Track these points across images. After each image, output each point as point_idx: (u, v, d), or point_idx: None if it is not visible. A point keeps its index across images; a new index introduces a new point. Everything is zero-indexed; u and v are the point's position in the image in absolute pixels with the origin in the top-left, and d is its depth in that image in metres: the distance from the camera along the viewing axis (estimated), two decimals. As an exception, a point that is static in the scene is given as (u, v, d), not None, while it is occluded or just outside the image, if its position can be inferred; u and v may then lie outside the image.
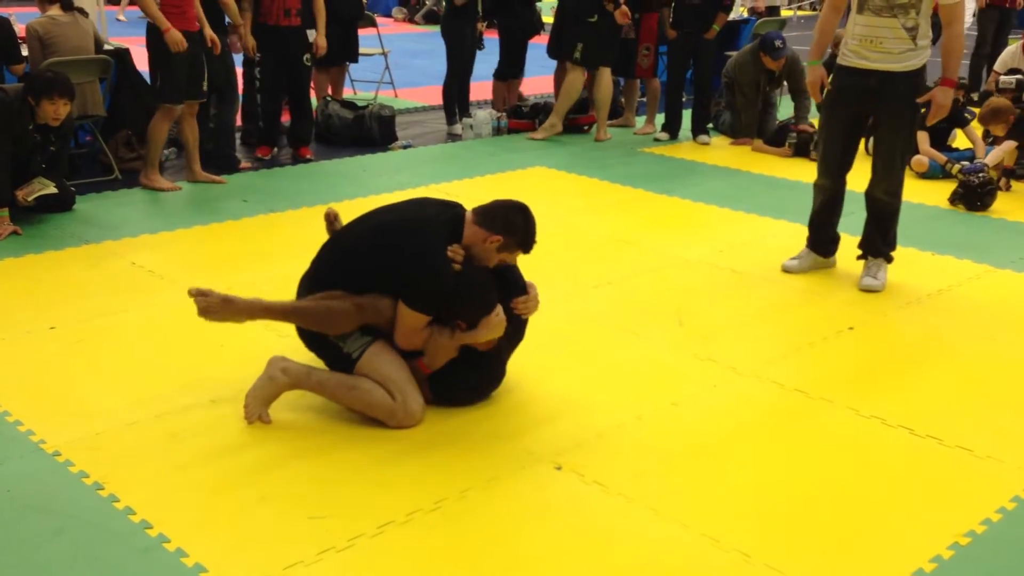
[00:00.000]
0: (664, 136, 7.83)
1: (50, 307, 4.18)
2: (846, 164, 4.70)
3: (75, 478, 2.90)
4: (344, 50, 7.94)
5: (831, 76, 4.61)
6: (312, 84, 7.95)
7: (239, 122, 7.40)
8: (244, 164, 6.69)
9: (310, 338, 3.33)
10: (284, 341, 3.76)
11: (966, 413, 3.44)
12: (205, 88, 6.06)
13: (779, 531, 2.73)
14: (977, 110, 7.45)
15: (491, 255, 3.26)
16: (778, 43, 7.38)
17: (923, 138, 6.80)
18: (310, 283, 3.34)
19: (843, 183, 4.74)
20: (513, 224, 3.24)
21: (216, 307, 3.16)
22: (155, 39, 5.81)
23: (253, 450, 3.07)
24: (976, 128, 7.04)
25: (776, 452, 3.16)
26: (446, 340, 3.23)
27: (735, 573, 2.54)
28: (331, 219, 3.76)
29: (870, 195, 4.64)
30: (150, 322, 4.06)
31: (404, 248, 3.20)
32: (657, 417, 3.36)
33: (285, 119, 7.19)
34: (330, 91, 8.13)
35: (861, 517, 2.81)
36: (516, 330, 3.39)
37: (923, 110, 4.59)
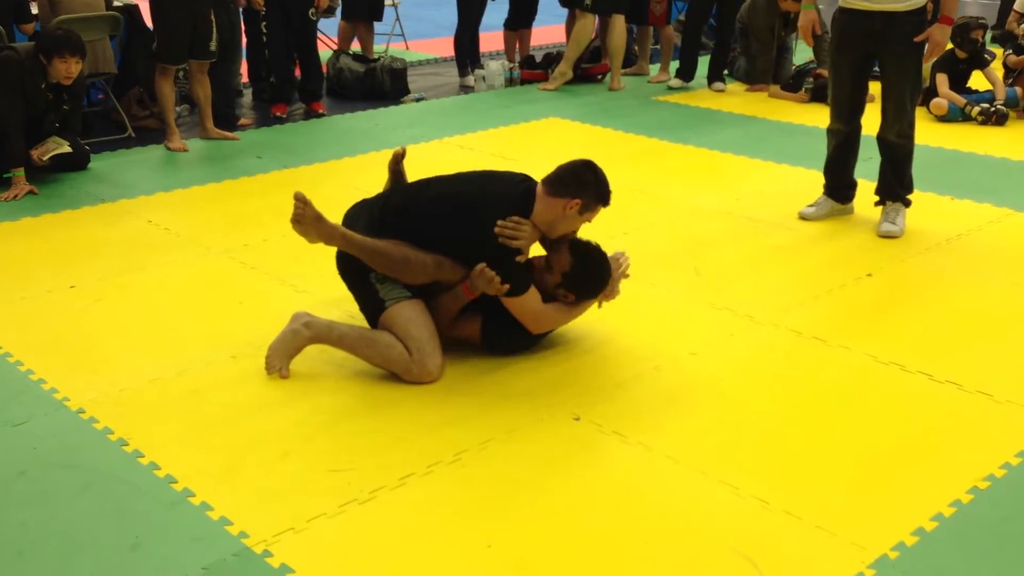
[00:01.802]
0: (678, 83, 7.72)
1: (69, 266, 4.21)
2: (857, 106, 4.65)
3: (100, 434, 2.94)
4: (373, 7, 7.87)
5: (833, 19, 4.57)
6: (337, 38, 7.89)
7: (247, 79, 7.38)
8: (243, 120, 6.68)
9: (350, 271, 3.32)
10: (303, 297, 3.78)
11: (986, 358, 3.43)
12: (213, 48, 6.01)
13: (798, 478, 2.74)
14: (998, 50, 7.34)
15: (575, 220, 3.26)
16: None
17: (942, 80, 6.71)
18: (378, 228, 3.28)
19: (857, 126, 4.70)
20: (585, 182, 3.24)
21: (309, 220, 3.16)
22: None
23: (274, 406, 3.10)
24: (996, 69, 6.93)
25: (794, 399, 3.17)
26: (555, 313, 3.35)
27: (754, 520, 2.56)
28: (398, 157, 3.66)
29: (883, 139, 4.60)
30: (169, 280, 4.08)
31: (477, 224, 3.17)
32: (675, 366, 3.37)
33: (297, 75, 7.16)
34: (355, 45, 8.01)
35: (880, 463, 2.82)
36: None
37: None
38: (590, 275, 3.34)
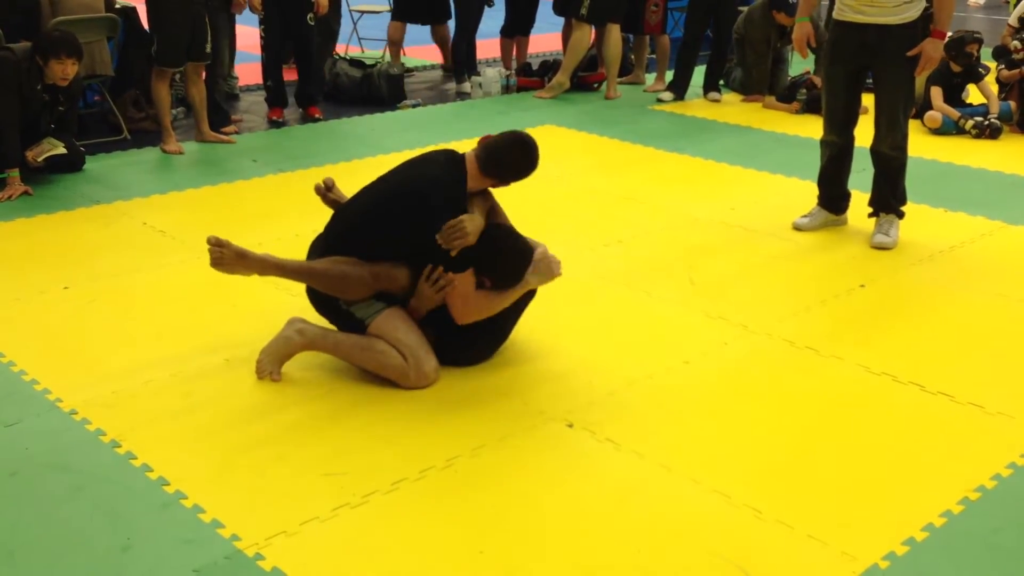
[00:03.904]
0: (668, 96, 7.67)
1: (63, 267, 4.20)
2: (851, 118, 4.67)
3: (92, 436, 2.94)
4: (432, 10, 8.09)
5: (828, 31, 4.60)
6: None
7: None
8: (230, 128, 6.68)
9: (320, 302, 3.33)
10: (296, 300, 3.77)
11: (977, 370, 3.44)
12: (209, 50, 6.02)
13: (790, 487, 2.75)
14: (992, 65, 7.38)
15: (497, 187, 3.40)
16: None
17: (936, 94, 6.74)
18: (323, 250, 3.32)
19: (850, 138, 4.72)
20: (518, 165, 3.35)
21: (229, 260, 3.16)
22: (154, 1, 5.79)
23: (268, 409, 3.10)
24: (991, 84, 6.96)
25: (787, 409, 3.18)
26: (483, 300, 3.23)
27: (747, 528, 2.56)
28: (323, 192, 3.60)
29: (876, 151, 4.62)
30: (163, 282, 4.08)
31: (418, 217, 3.18)
32: (668, 375, 3.37)
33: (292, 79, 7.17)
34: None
35: (871, 473, 2.82)
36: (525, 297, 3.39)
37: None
38: (502, 260, 3.23)
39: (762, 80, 7.63)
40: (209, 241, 3.15)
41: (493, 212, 3.42)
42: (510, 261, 3.25)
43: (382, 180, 3.43)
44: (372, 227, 3.25)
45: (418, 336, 3.22)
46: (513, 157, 3.35)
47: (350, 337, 3.26)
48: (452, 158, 3.38)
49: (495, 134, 3.40)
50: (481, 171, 3.31)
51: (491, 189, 3.42)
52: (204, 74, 6.18)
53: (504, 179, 3.36)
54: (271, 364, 3.26)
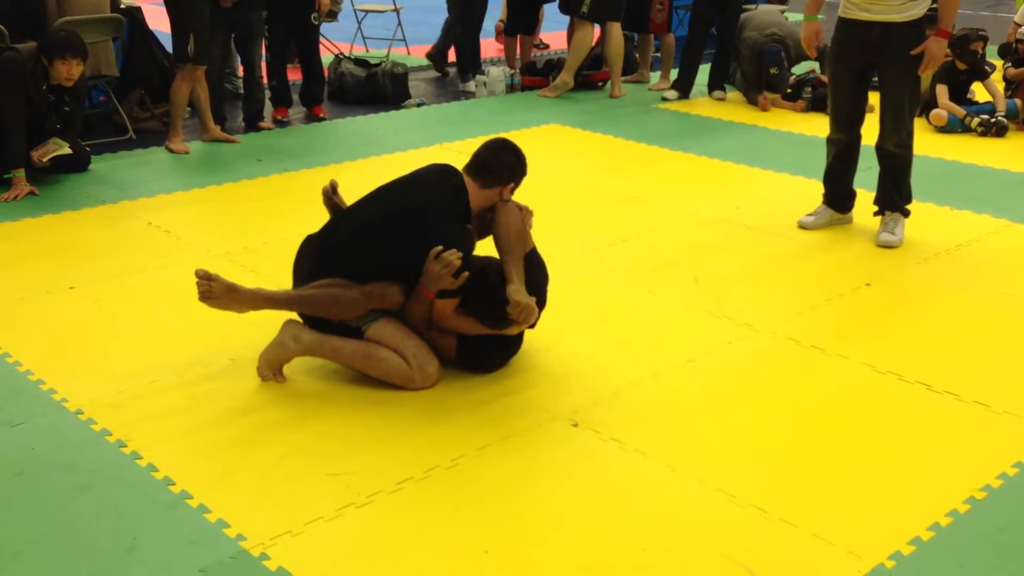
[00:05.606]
0: (673, 95, 7.64)
1: (69, 267, 4.21)
2: (856, 116, 4.66)
3: (98, 436, 2.94)
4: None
5: (834, 30, 4.59)
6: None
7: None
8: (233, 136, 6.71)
9: (315, 322, 3.29)
10: (301, 300, 3.78)
11: (984, 369, 3.43)
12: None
13: (795, 486, 2.75)
14: (998, 63, 7.36)
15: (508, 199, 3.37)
16: (773, 71, 7.20)
17: (942, 91, 6.72)
18: (312, 267, 3.28)
19: (856, 136, 4.71)
20: (512, 166, 3.34)
21: (218, 293, 3.13)
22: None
23: (272, 409, 3.10)
24: (997, 81, 6.94)
25: (792, 408, 3.17)
26: (465, 324, 3.23)
27: (752, 528, 2.56)
28: (328, 194, 3.59)
29: (881, 149, 4.61)
30: (168, 282, 4.08)
31: (419, 233, 3.16)
32: (673, 374, 3.37)
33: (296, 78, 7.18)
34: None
35: (877, 472, 2.82)
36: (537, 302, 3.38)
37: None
38: (489, 305, 3.17)
39: (756, 84, 7.52)
40: (197, 274, 3.12)
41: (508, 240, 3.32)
42: (498, 308, 3.17)
43: (376, 199, 3.38)
44: (372, 247, 3.22)
45: (417, 338, 3.21)
46: (501, 158, 3.34)
47: (349, 343, 3.21)
48: (446, 171, 3.36)
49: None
50: (478, 185, 3.29)
51: (505, 201, 3.36)
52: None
53: (502, 181, 3.31)
54: (267, 369, 3.25)
